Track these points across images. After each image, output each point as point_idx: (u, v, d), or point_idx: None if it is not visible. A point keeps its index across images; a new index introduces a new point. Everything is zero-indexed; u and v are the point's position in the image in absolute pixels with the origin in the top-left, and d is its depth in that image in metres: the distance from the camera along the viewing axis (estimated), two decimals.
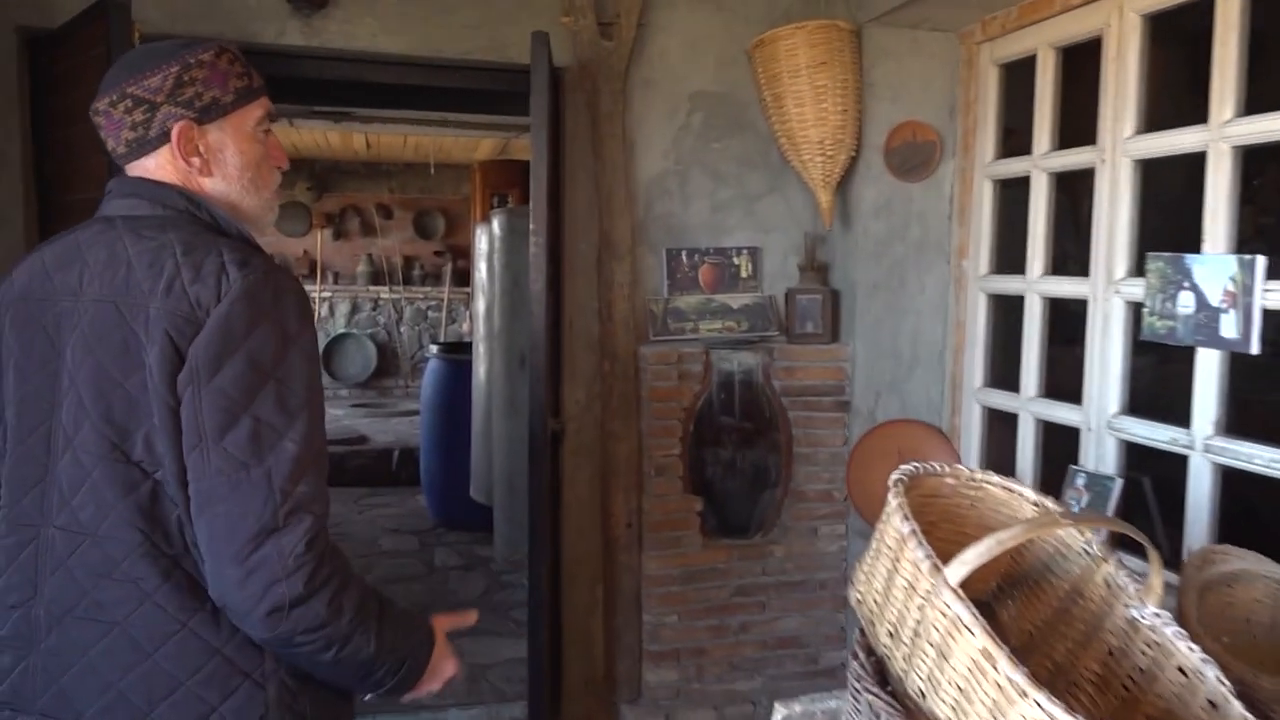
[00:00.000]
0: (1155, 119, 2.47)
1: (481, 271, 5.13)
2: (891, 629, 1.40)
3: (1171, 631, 1.30)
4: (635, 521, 3.23)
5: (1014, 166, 2.95)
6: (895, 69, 3.15)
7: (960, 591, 1.23)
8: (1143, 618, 1.36)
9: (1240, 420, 2.26)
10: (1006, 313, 3.09)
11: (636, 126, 3.25)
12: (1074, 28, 2.65)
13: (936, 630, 1.26)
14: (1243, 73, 2.18)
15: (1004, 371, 3.10)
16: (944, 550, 1.38)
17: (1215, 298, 2.16)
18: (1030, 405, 2.88)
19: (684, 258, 3.33)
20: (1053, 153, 2.77)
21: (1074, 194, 3.02)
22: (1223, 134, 2.19)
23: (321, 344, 8.83)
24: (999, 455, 3.12)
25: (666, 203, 3.31)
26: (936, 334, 3.27)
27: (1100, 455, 2.59)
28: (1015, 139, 3.05)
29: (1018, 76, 2.99)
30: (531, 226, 2.80)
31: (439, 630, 1.46)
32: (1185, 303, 2.24)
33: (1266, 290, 2.05)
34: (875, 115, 3.16)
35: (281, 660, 1.26)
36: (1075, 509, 2.52)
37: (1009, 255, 3.05)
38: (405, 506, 6.17)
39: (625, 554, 3.23)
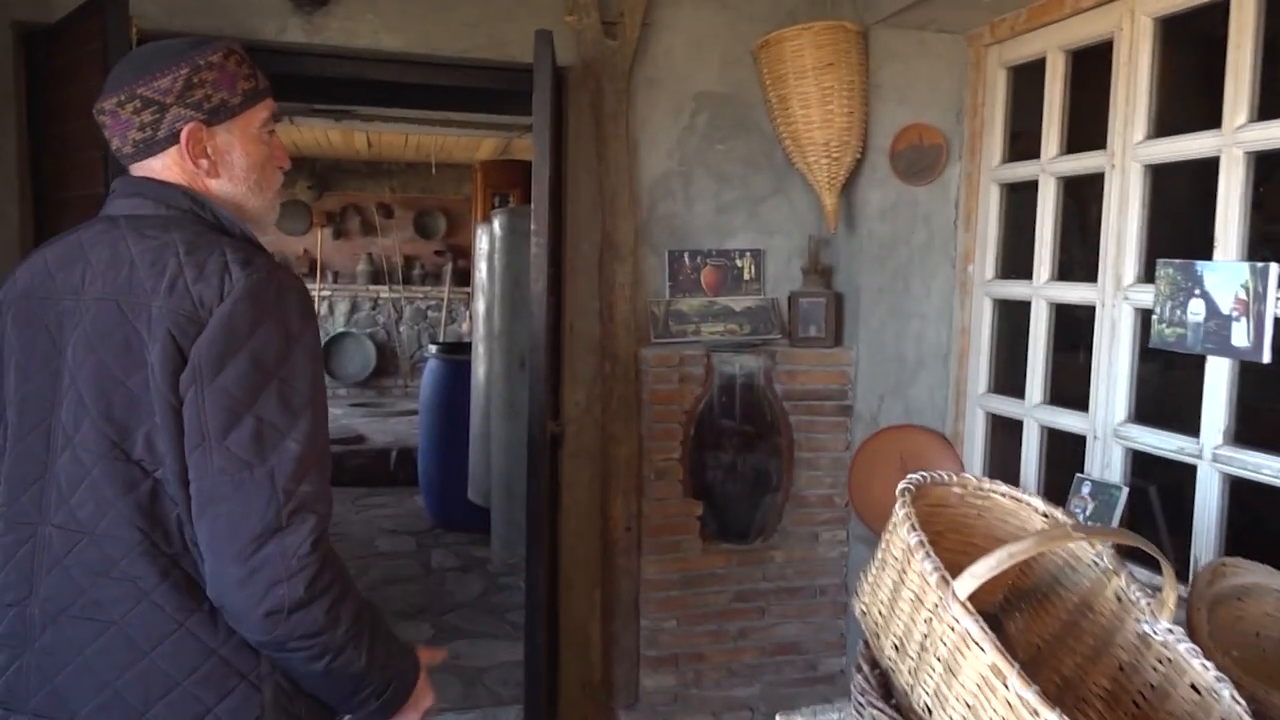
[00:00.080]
0: (1166, 124, 2.44)
1: (482, 272, 5.10)
2: (897, 642, 1.37)
3: (1185, 648, 1.27)
4: (634, 525, 3.20)
5: (1022, 171, 2.92)
6: (902, 71, 3.12)
7: (969, 605, 1.20)
8: (1155, 633, 1.33)
9: (1249, 429, 2.23)
10: (1011, 318, 3.06)
11: (640, 127, 3.22)
12: (1084, 30, 2.62)
13: (944, 645, 1.23)
14: (1257, 78, 2.15)
15: (1008, 377, 3.07)
16: (951, 561, 1.35)
17: (1226, 305, 2.13)
18: (1035, 412, 2.84)
19: (686, 259, 3.30)
20: (1061, 157, 2.74)
21: (1081, 199, 2.99)
22: (1236, 139, 2.16)
23: (320, 343, 8.80)
24: (1003, 462, 3.09)
25: (670, 204, 3.28)
26: (941, 339, 3.24)
27: (1106, 463, 2.56)
28: (1022, 143, 3.02)
29: (1026, 80, 2.95)
30: (533, 227, 2.77)
31: (422, 660, 1.45)
32: (1195, 310, 2.21)
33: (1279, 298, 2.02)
34: (881, 117, 3.13)
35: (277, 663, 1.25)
36: (1081, 517, 2.48)
37: (1015, 260, 3.02)
38: (403, 507, 6.14)
39: (624, 558, 3.20)
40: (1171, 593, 1.29)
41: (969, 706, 1.18)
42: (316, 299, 9.16)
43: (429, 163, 8.92)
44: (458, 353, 5.84)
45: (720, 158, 3.31)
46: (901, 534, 1.38)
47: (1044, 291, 2.81)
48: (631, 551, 3.20)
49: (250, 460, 1.16)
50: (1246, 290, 2.08)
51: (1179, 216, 2.69)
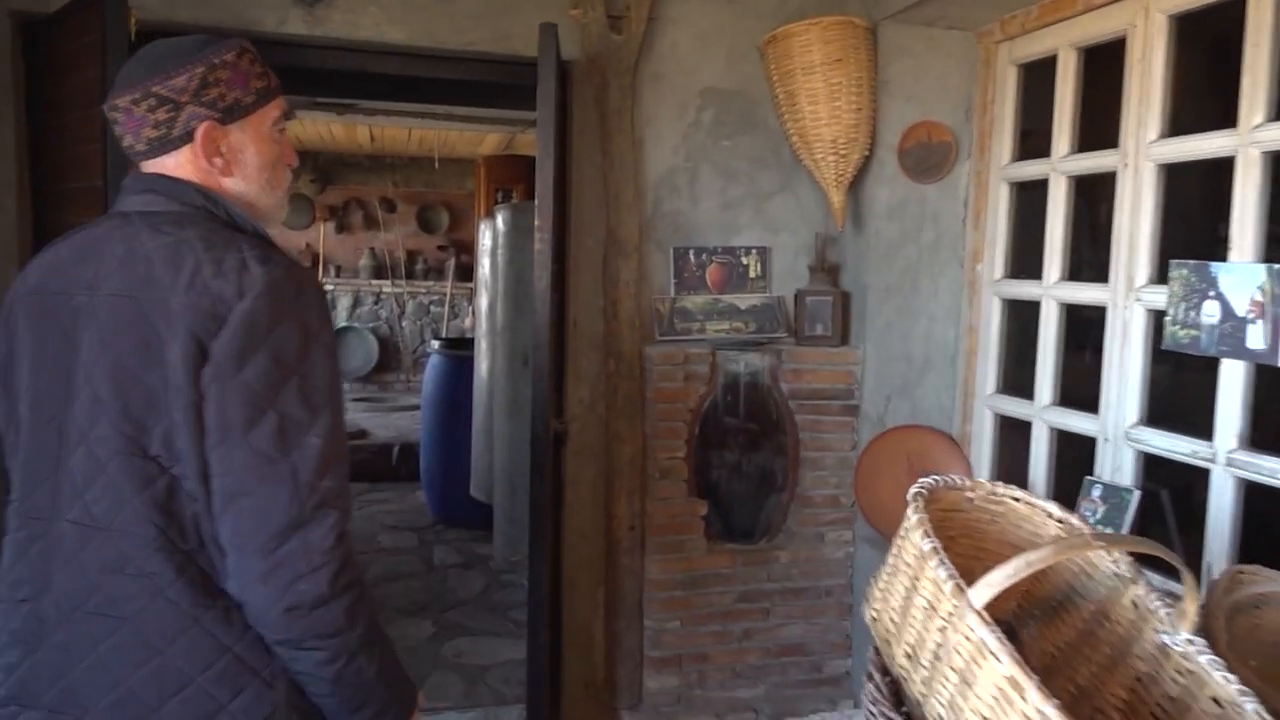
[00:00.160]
0: (1180, 123, 2.41)
1: (485, 267, 5.07)
2: (909, 650, 1.34)
3: (1206, 660, 1.24)
4: (638, 524, 3.17)
5: (1032, 169, 2.89)
6: (911, 67, 3.09)
7: (986, 615, 1.17)
8: (1175, 644, 1.30)
9: (1265, 433, 2.19)
10: (1020, 318, 3.03)
11: (646, 122, 3.19)
12: (1097, 27, 2.58)
13: (959, 655, 1.20)
14: (1275, 76, 2.11)
15: (1017, 378, 3.03)
16: (963, 567, 1.32)
17: (1242, 307, 2.10)
18: (1044, 413, 2.81)
19: (691, 256, 3.27)
20: (1072, 156, 2.70)
21: (1091, 199, 2.95)
22: (1253, 139, 2.12)
23: (336, 340, 8.78)
24: (1011, 463, 3.06)
25: (675, 200, 3.25)
26: (949, 338, 3.21)
27: (1117, 466, 2.52)
28: (1032, 141, 2.98)
29: (1037, 77, 2.92)
30: (537, 222, 2.74)
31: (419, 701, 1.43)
32: (1210, 312, 2.17)
33: None
34: (889, 114, 3.10)
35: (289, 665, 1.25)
36: (1091, 520, 2.45)
37: (1024, 260, 2.99)
38: (405, 502, 6.12)
39: (628, 557, 3.17)
40: (1193, 603, 1.26)
41: (985, 719, 1.15)
42: None
43: (432, 157, 8.88)
44: (460, 348, 5.80)
45: (726, 154, 3.27)
46: (914, 539, 1.35)
47: (1054, 292, 2.77)
48: (635, 551, 3.17)
49: (273, 455, 1.17)
50: (1263, 292, 2.04)
51: (1189, 217, 2.65)
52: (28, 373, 1.29)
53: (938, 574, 1.25)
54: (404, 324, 9.69)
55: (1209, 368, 2.26)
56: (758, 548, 3.28)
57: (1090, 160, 2.64)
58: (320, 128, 7.48)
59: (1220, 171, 2.24)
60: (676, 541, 3.19)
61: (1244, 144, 2.14)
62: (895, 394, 3.21)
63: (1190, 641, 1.27)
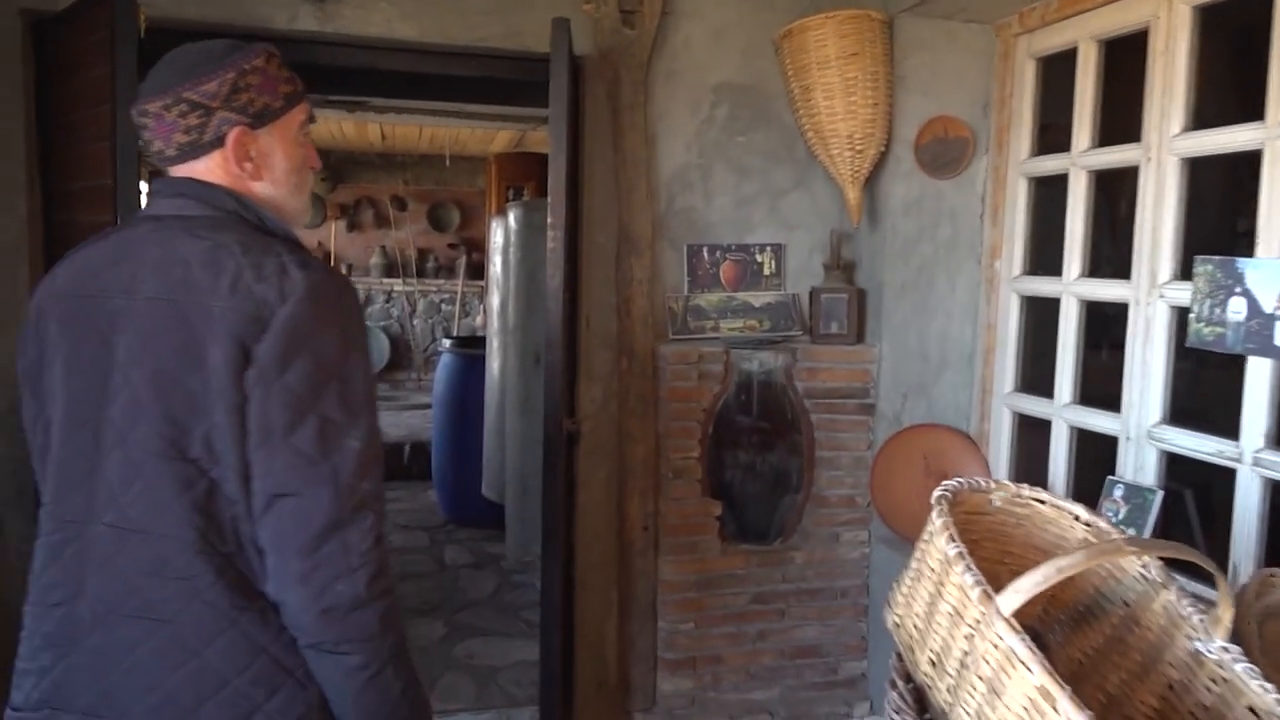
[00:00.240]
0: (1204, 116, 2.36)
1: (496, 265, 5.04)
2: (934, 657, 1.31)
3: (1242, 668, 1.20)
4: (652, 525, 3.14)
5: (1051, 164, 2.84)
6: (928, 61, 3.04)
7: (1015, 623, 1.14)
8: (1209, 651, 1.26)
9: None
10: (1039, 315, 2.98)
11: (658, 118, 3.16)
12: (1119, 19, 2.53)
13: (987, 664, 1.17)
14: None
15: (1036, 376, 2.99)
16: (988, 571, 1.28)
17: (1269, 304, 2.05)
18: (1064, 412, 2.77)
19: (705, 254, 3.23)
20: (1093, 150, 2.66)
21: (1110, 194, 2.91)
22: None
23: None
24: (1029, 463, 3.01)
25: (688, 197, 3.21)
26: (966, 336, 3.17)
27: (1139, 465, 2.48)
28: (1050, 135, 2.94)
29: (1055, 70, 2.87)
30: (549, 220, 2.71)
31: None
32: (1236, 309, 2.13)
33: None
34: (906, 109, 3.06)
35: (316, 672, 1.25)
36: (1113, 521, 2.41)
37: (1043, 256, 2.95)
38: (416, 501, 6.10)
39: (641, 558, 3.14)
40: (1227, 610, 1.22)
41: None
42: None
43: (443, 155, 8.86)
44: (471, 347, 5.78)
45: (740, 150, 3.24)
46: (939, 544, 1.31)
47: (1074, 288, 2.73)
48: (648, 552, 3.14)
49: (314, 457, 1.18)
50: None
51: (1206, 212, 2.60)
52: (61, 376, 1.29)
53: (964, 580, 1.21)
54: (415, 322, 9.67)
55: (1233, 365, 2.22)
56: (772, 548, 3.25)
57: (1112, 155, 2.59)
58: (331, 126, 7.46)
59: (1237, 165, 2.19)
60: (690, 542, 3.15)
61: (1272, 137, 2.10)
62: (912, 393, 3.17)
63: (1225, 649, 1.23)
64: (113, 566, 1.22)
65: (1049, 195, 2.94)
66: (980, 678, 1.18)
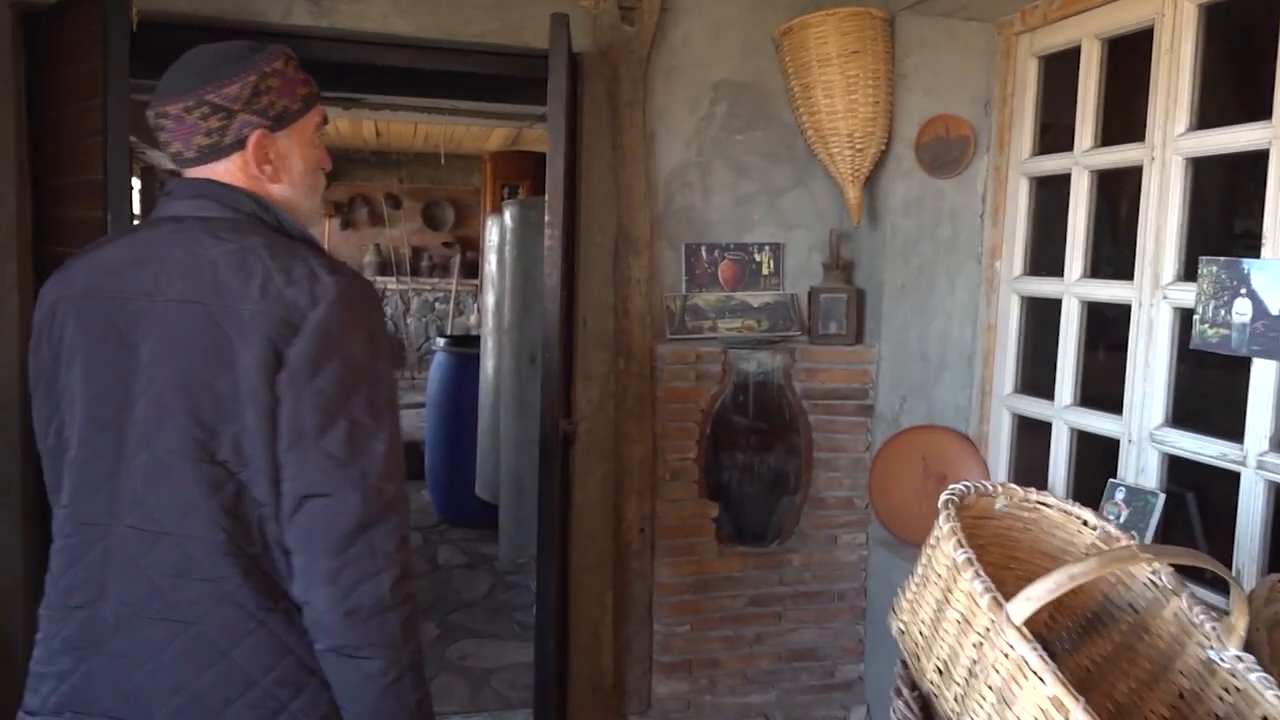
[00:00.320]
0: (1209, 115, 2.34)
1: (491, 264, 5.01)
2: (941, 665, 1.28)
3: (1257, 678, 1.18)
4: (648, 527, 3.11)
5: (1053, 164, 2.82)
6: (929, 60, 3.02)
7: (1026, 631, 1.11)
8: (1222, 660, 1.24)
9: None
10: (1040, 316, 2.96)
11: (657, 116, 3.13)
12: (1122, 18, 2.51)
13: (997, 672, 1.14)
14: None
15: (1036, 378, 2.97)
16: (995, 577, 1.25)
17: (1275, 305, 2.03)
18: (1065, 414, 2.74)
19: (703, 253, 3.20)
20: (1096, 150, 2.64)
21: (1112, 194, 2.89)
22: None
23: None
24: (1028, 465, 2.99)
25: (687, 196, 3.18)
26: (966, 337, 3.14)
27: (1141, 468, 2.46)
28: (1052, 135, 2.91)
29: (1057, 69, 2.85)
30: (547, 218, 2.68)
31: None
32: (1241, 310, 2.11)
33: None
34: (907, 108, 3.03)
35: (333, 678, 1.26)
36: (1115, 524, 2.39)
37: (1044, 256, 2.92)
38: (409, 501, 6.06)
39: (637, 560, 3.11)
40: (1242, 618, 1.20)
41: None
42: None
43: (438, 153, 8.83)
44: (466, 346, 5.75)
45: (739, 149, 3.21)
46: (946, 549, 1.28)
47: (1076, 289, 2.71)
48: (645, 553, 3.11)
49: (344, 460, 1.19)
50: None
51: (1208, 212, 2.58)
52: (80, 378, 1.27)
53: (973, 586, 1.19)
54: (409, 321, 9.64)
55: (1236, 367, 2.20)
56: (770, 550, 3.22)
57: (1115, 154, 2.57)
58: None
59: (1239, 165, 2.17)
60: (687, 544, 3.13)
61: (1279, 136, 2.07)
62: (911, 394, 3.15)
63: (1240, 658, 1.21)
64: (137, 569, 1.22)
65: (1050, 195, 2.92)
66: (990, 687, 1.15)
